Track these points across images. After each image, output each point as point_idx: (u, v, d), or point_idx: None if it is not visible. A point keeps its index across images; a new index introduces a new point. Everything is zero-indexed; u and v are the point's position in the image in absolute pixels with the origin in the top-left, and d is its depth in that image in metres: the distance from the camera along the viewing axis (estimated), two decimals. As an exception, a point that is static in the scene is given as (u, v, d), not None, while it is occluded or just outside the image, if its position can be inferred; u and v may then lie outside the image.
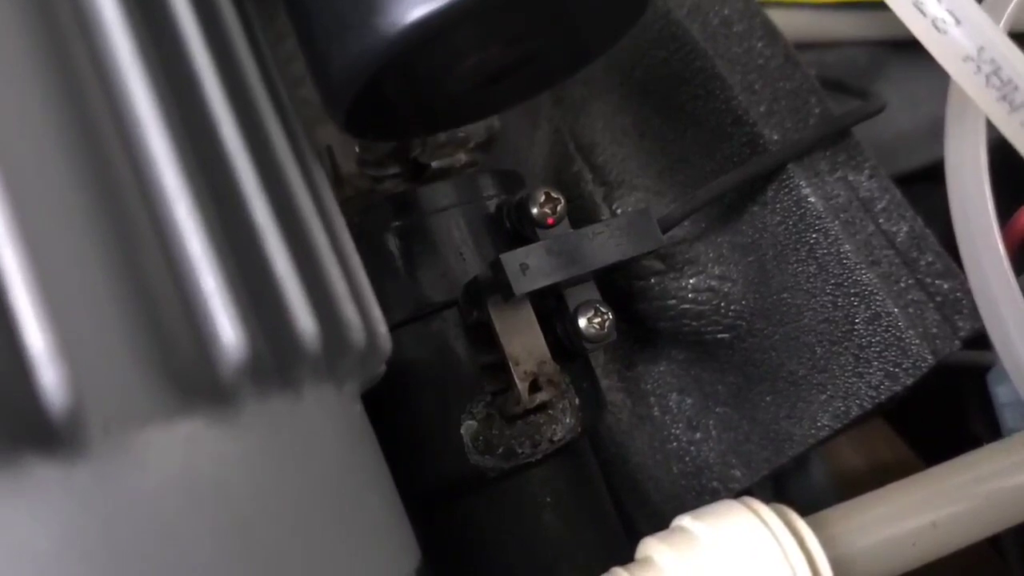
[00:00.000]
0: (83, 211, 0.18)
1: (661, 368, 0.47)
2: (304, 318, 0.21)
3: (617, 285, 0.45)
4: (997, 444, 0.32)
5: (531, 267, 0.35)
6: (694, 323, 0.44)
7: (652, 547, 0.29)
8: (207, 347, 0.19)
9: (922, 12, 0.30)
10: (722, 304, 0.44)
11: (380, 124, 0.32)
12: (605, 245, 0.37)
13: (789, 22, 0.48)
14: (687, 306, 0.44)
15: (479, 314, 0.37)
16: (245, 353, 0.19)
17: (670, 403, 0.47)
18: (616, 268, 0.39)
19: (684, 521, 0.29)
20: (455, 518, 0.39)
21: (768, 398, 0.44)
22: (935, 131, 0.40)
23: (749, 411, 0.44)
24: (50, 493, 0.17)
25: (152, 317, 0.19)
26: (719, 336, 0.44)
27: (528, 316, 0.38)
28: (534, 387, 0.37)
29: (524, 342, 0.37)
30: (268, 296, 0.21)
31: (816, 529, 0.29)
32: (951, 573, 0.34)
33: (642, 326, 0.46)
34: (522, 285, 0.35)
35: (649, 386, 0.47)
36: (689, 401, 0.46)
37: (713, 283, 0.44)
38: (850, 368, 0.41)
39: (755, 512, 0.29)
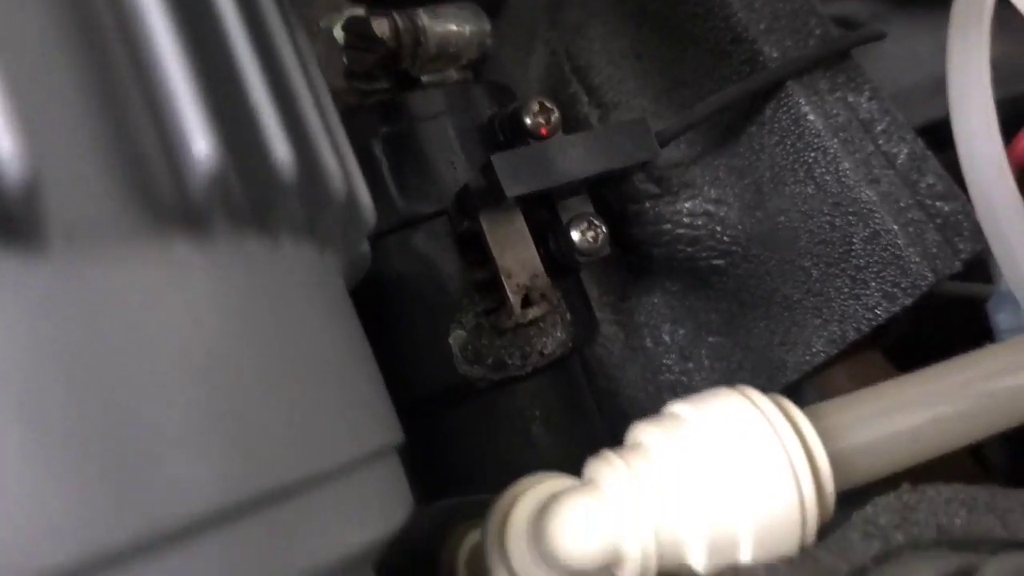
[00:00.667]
0: (52, 11, 0.18)
1: (655, 299, 0.46)
2: (279, 146, 0.20)
3: (612, 210, 0.44)
4: (998, 345, 0.31)
5: (523, 170, 0.35)
6: (689, 249, 0.43)
7: (642, 430, 0.28)
8: (177, 157, 0.18)
9: None
10: (717, 228, 0.43)
11: None
12: (600, 152, 0.36)
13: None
14: (682, 231, 0.43)
15: (470, 223, 0.36)
16: (216, 167, 0.18)
17: (663, 334, 0.46)
18: (610, 181, 0.38)
19: (675, 406, 0.28)
20: (445, 429, 0.38)
21: (762, 324, 0.43)
22: (936, 89, 0.39)
23: (742, 339, 0.43)
24: (4, 285, 0.16)
25: (120, 121, 0.18)
26: (714, 262, 0.44)
27: (520, 227, 0.37)
28: (527, 301, 0.36)
29: (516, 254, 0.36)
30: (241, 117, 0.20)
31: (813, 420, 0.28)
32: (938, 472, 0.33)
33: (636, 254, 0.45)
34: (514, 188, 0.34)
35: (642, 318, 0.46)
36: (682, 331, 0.45)
37: (709, 207, 0.43)
38: (847, 290, 0.40)
39: (748, 398, 0.28)
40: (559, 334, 0.38)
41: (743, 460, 0.26)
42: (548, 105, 0.37)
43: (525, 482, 0.30)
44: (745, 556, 0.26)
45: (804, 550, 0.27)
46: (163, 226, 0.19)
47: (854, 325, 0.40)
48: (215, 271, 0.20)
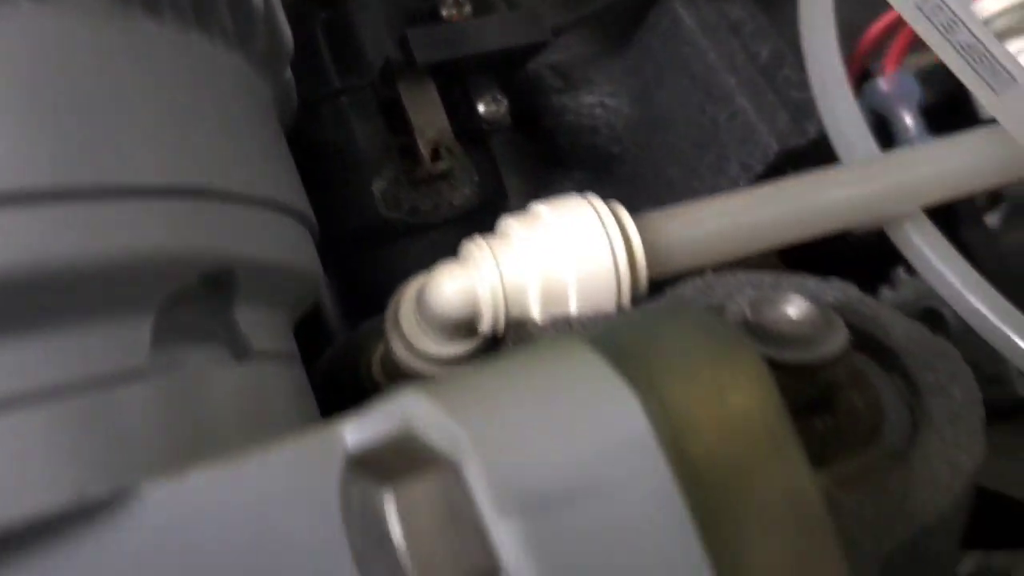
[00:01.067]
0: None
1: (565, 186, 0.54)
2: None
3: (523, 105, 0.51)
4: (815, 172, 0.38)
5: (433, 42, 0.42)
6: (589, 137, 0.51)
7: (505, 222, 0.35)
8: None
9: None
10: (611, 118, 0.50)
11: None
12: (500, 31, 0.44)
13: None
14: (583, 121, 0.51)
15: (391, 92, 0.44)
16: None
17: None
18: (514, 65, 0.46)
19: (535, 205, 0.35)
20: (368, 268, 0.46)
21: (651, 201, 0.50)
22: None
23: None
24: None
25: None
26: (611, 150, 0.51)
27: (432, 94, 0.44)
28: (436, 155, 0.44)
29: (428, 116, 0.44)
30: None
31: (639, 220, 0.35)
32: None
33: (548, 145, 0.52)
34: (424, 55, 0.42)
35: (542, 193, 0.53)
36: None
37: (605, 100, 0.50)
38: (714, 166, 0.47)
39: (589, 201, 0.35)
40: (467, 191, 0.45)
41: (574, 238, 0.34)
42: (460, 1, 0.45)
43: (417, 276, 0.37)
44: (573, 309, 0.33)
45: (620, 310, 0.34)
46: (127, 2, 0.26)
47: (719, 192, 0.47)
48: (168, 44, 0.27)
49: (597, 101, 0.50)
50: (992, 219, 0.51)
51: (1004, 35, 0.50)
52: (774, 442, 0.22)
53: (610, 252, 0.33)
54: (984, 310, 0.37)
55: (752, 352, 0.23)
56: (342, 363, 0.42)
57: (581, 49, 0.50)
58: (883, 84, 0.46)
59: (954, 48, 0.31)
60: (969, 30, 0.31)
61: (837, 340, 0.29)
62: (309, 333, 0.40)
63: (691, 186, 0.48)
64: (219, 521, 0.22)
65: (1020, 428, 0.44)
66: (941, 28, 0.31)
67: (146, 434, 0.25)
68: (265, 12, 0.32)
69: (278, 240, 0.30)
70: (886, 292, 0.47)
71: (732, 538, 0.21)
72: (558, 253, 0.33)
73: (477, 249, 0.34)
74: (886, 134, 0.47)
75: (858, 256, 0.47)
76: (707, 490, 0.21)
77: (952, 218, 0.46)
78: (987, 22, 0.50)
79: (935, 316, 0.45)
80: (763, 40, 0.48)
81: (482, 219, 0.46)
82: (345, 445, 0.23)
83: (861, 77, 0.48)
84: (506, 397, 0.22)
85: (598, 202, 0.35)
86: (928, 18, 0.31)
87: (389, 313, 0.37)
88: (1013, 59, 0.31)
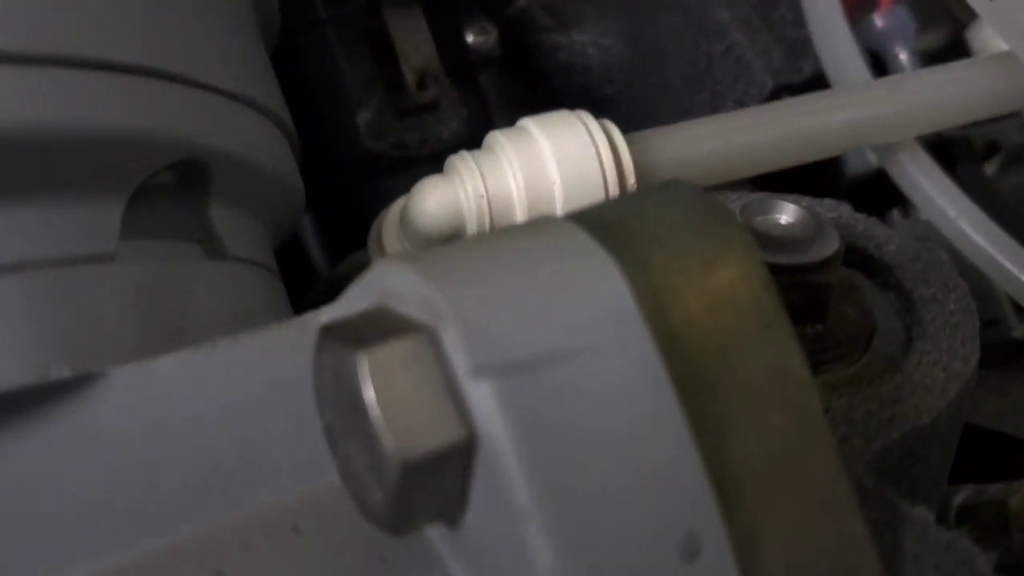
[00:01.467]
0: None
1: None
2: None
3: (515, 44, 0.50)
4: (807, 95, 0.37)
5: (420, -35, 0.41)
6: (581, 77, 0.50)
7: (492, 136, 0.34)
8: None
9: None
10: (604, 57, 0.49)
11: None
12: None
13: None
14: (575, 60, 0.50)
15: (377, 20, 0.43)
16: None
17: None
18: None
19: (523, 120, 0.35)
20: (355, 202, 0.45)
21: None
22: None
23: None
24: None
25: None
26: (604, 90, 0.50)
27: (419, 21, 0.43)
28: (422, 83, 0.43)
29: (415, 43, 0.43)
30: None
31: (630, 139, 0.35)
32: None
33: (542, 85, 0.52)
34: (410, -21, 0.41)
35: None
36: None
37: (597, 38, 0.49)
38: (708, 104, 0.47)
39: (579, 117, 0.34)
40: (455, 125, 0.44)
41: (563, 148, 0.33)
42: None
43: (401, 197, 0.37)
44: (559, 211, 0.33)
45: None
46: None
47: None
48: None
49: (589, 39, 0.49)
50: (989, 169, 0.50)
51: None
52: (761, 317, 0.21)
53: (598, 163, 0.33)
54: (980, 240, 0.37)
55: (740, 227, 0.22)
56: (327, 300, 0.41)
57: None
58: (878, 20, 0.46)
59: None
60: None
61: (828, 246, 0.28)
62: (293, 272, 0.39)
63: (691, 115, 0.47)
64: (188, 405, 0.22)
65: (1014, 369, 0.43)
66: None
67: (113, 320, 0.24)
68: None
69: (254, 139, 0.29)
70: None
71: (715, 411, 0.20)
72: (545, 166, 0.32)
73: (461, 161, 0.33)
74: (882, 72, 0.46)
75: (852, 198, 0.46)
76: (690, 361, 0.20)
77: (949, 160, 0.45)
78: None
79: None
80: (760, -23, 0.47)
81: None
82: (320, 329, 0.22)
83: (858, 11, 0.47)
84: (485, 266, 0.21)
85: (588, 117, 0.34)
86: None
87: (372, 236, 0.36)
88: None
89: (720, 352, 0.21)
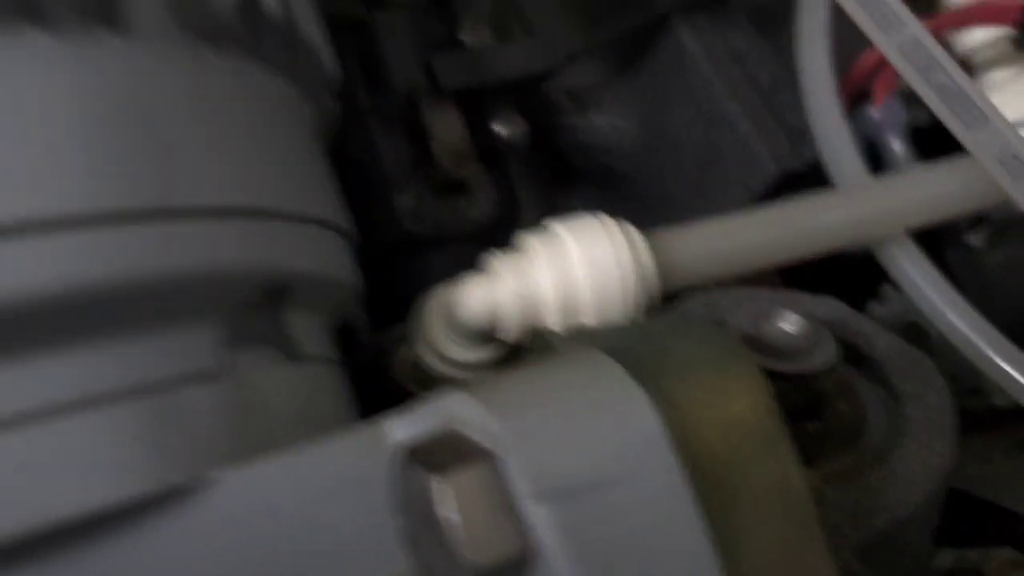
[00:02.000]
0: None
1: (576, 202, 0.57)
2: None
3: (538, 125, 0.55)
4: (807, 197, 0.42)
5: (456, 68, 0.46)
6: (599, 157, 0.54)
7: (524, 238, 0.39)
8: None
9: None
10: (620, 138, 0.54)
11: None
12: (517, 59, 0.47)
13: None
14: (594, 140, 0.54)
15: (415, 113, 0.47)
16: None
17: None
18: (530, 90, 0.49)
19: (551, 223, 0.39)
20: (395, 278, 0.49)
21: (658, 218, 0.53)
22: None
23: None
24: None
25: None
26: (620, 169, 0.54)
27: (453, 115, 0.48)
28: (454, 162, 0.47)
29: (448, 129, 0.47)
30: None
31: (650, 238, 0.39)
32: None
33: (562, 163, 0.56)
34: (448, 80, 0.45)
35: (564, 214, 0.57)
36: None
37: (615, 121, 0.54)
38: (718, 186, 0.51)
39: (600, 219, 0.39)
40: (486, 206, 0.49)
41: (590, 252, 0.37)
42: (480, 26, 0.48)
43: (441, 286, 0.41)
44: (587, 320, 0.37)
45: (631, 320, 0.37)
46: (196, 35, 0.29)
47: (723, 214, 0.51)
48: (231, 74, 0.31)
49: (607, 122, 0.54)
50: (975, 239, 0.54)
51: (987, 65, 0.53)
52: (768, 442, 0.26)
53: (621, 268, 0.37)
54: (964, 328, 0.41)
55: (751, 362, 0.27)
56: (370, 366, 0.45)
57: (593, 73, 0.53)
58: (873, 111, 0.50)
59: (931, 88, 0.35)
60: (946, 72, 0.34)
61: (827, 353, 0.32)
62: (341, 338, 0.43)
63: (695, 204, 0.52)
64: (282, 506, 0.26)
65: (996, 436, 0.47)
66: (920, 69, 0.35)
67: (212, 428, 0.29)
68: (314, 45, 0.35)
69: (327, 254, 0.34)
70: (874, 306, 0.51)
71: (731, 524, 0.25)
72: (574, 269, 0.37)
73: (499, 263, 0.37)
74: (876, 157, 0.50)
75: (849, 272, 0.51)
76: (709, 482, 0.25)
77: (937, 239, 0.49)
78: (972, 52, 0.54)
79: (919, 330, 0.48)
80: (764, 67, 0.51)
81: (498, 233, 0.50)
82: (391, 439, 0.26)
83: (857, 97, 0.51)
84: (538, 399, 0.25)
85: (610, 222, 0.38)
86: (908, 59, 0.34)
87: (416, 321, 0.40)
88: (986, 100, 0.35)
89: (734, 473, 0.25)
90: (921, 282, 0.42)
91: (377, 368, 0.45)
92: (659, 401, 0.25)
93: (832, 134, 0.46)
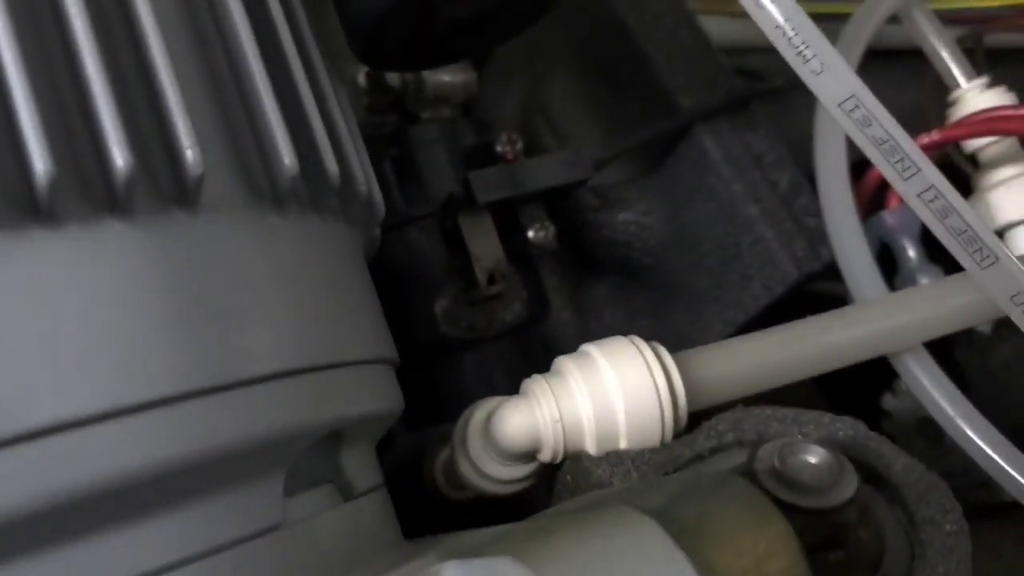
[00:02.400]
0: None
1: (599, 291, 0.60)
2: (331, 164, 0.33)
3: (567, 220, 0.57)
4: (819, 316, 0.44)
5: (491, 183, 0.48)
6: (623, 250, 0.57)
7: (560, 361, 0.41)
8: (271, 166, 0.31)
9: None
10: (644, 234, 0.56)
11: (386, 57, 0.44)
12: (549, 171, 0.49)
13: (719, 29, 0.60)
14: (618, 235, 0.56)
15: (453, 222, 0.50)
16: (294, 174, 0.31)
17: (604, 317, 0.59)
18: (560, 194, 0.51)
19: (586, 346, 0.41)
20: (431, 378, 0.51)
21: (679, 309, 0.56)
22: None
23: (664, 320, 0.57)
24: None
25: (234, 136, 0.31)
26: (643, 261, 0.57)
27: (489, 226, 0.50)
28: (491, 280, 0.49)
29: (485, 245, 0.50)
30: (316, 145, 0.33)
31: (677, 360, 0.41)
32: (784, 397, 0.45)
33: (586, 255, 0.58)
34: (484, 195, 0.48)
35: (589, 305, 0.59)
36: (619, 315, 0.59)
37: (638, 218, 0.56)
38: (737, 283, 0.53)
39: (634, 343, 0.41)
40: (517, 307, 0.51)
41: (623, 379, 0.39)
42: (514, 137, 0.51)
43: (478, 402, 0.43)
44: (623, 445, 0.39)
45: (663, 442, 0.40)
46: (262, 203, 0.32)
47: (743, 310, 0.53)
48: (292, 234, 0.33)
49: (632, 219, 0.56)
50: (983, 326, 0.56)
51: (994, 163, 0.56)
52: (800, 602, 0.28)
53: (655, 392, 0.39)
54: (972, 436, 0.43)
55: (783, 523, 0.29)
56: (405, 467, 0.48)
57: (618, 173, 0.56)
58: (888, 217, 0.52)
59: (947, 230, 0.37)
60: (961, 217, 0.37)
61: (849, 487, 0.34)
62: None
63: (716, 297, 0.54)
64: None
65: (1007, 527, 0.50)
66: (937, 213, 0.37)
67: (280, 573, 0.31)
68: (366, 185, 0.37)
69: (380, 392, 0.36)
70: (889, 399, 0.53)
71: None
72: (610, 394, 0.39)
73: (539, 388, 0.40)
74: (891, 261, 0.53)
75: (866, 367, 0.53)
76: (748, 645, 0.27)
77: (948, 339, 0.51)
78: (980, 149, 0.56)
79: (932, 425, 0.50)
80: (782, 170, 0.54)
81: (526, 331, 0.52)
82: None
83: (874, 199, 0.54)
84: (583, 564, 0.27)
85: (642, 344, 0.40)
86: (927, 205, 0.37)
87: (457, 434, 0.42)
88: (998, 243, 0.37)
89: (770, 635, 0.27)
90: (932, 389, 0.44)
91: (414, 469, 0.48)
92: (700, 566, 0.27)
93: (850, 248, 0.49)
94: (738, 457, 0.39)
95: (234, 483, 0.30)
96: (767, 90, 0.55)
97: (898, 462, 0.38)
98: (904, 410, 0.52)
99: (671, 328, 0.56)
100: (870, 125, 0.37)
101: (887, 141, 0.36)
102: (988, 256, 0.37)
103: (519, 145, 0.51)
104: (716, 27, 0.60)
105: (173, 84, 0.29)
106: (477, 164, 0.51)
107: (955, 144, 0.57)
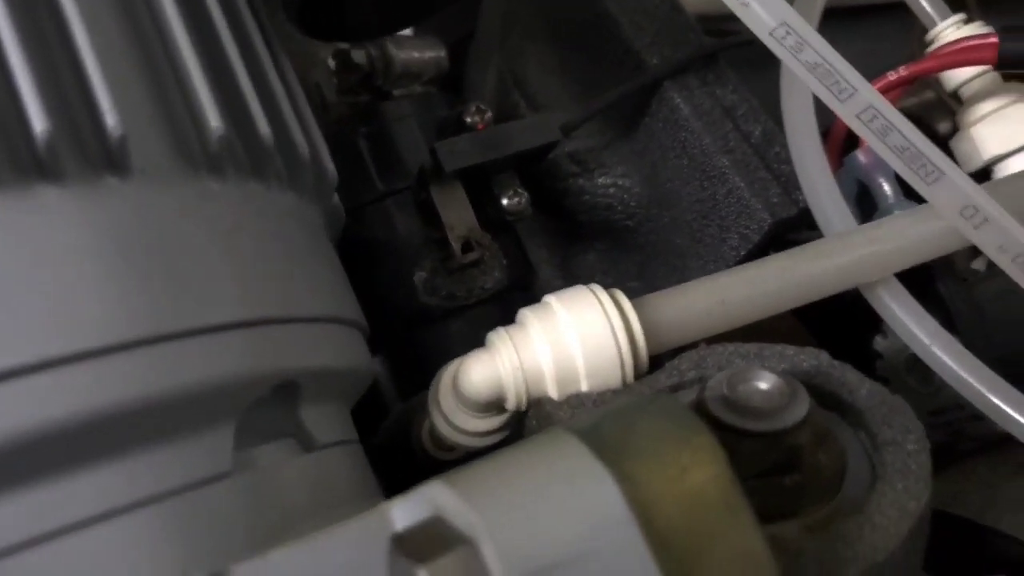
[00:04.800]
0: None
1: (587, 256, 0.60)
2: (263, 127, 0.35)
3: (546, 188, 0.57)
4: (785, 252, 0.44)
5: (458, 151, 0.49)
6: (606, 214, 0.57)
7: (522, 314, 0.41)
8: (203, 130, 0.32)
9: None
10: (624, 196, 0.56)
11: (323, 26, 0.45)
12: (517, 137, 0.50)
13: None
14: (599, 200, 0.57)
15: (426, 194, 0.51)
16: (224, 136, 0.32)
17: (595, 282, 0.59)
18: (532, 161, 0.52)
19: (547, 298, 0.42)
20: (414, 348, 0.52)
21: (663, 268, 0.56)
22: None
23: (650, 281, 0.57)
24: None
25: (168, 105, 0.32)
26: (625, 224, 0.57)
27: (461, 195, 0.51)
28: (466, 248, 0.50)
29: (458, 214, 0.50)
30: (241, 108, 0.34)
31: (636, 304, 0.41)
32: (766, 338, 0.45)
33: (570, 221, 0.59)
34: (451, 163, 0.48)
35: (578, 271, 0.60)
36: (608, 279, 0.59)
37: (617, 180, 0.56)
38: (716, 236, 0.53)
39: (592, 291, 0.41)
40: (496, 274, 0.52)
41: (581, 323, 0.40)
42: (483, 107, 0.52)
43: (452, 362, 0.44)
44: (584, 387, 0.39)
45: (625, 383, 0.40)
46: (198, 168, 0.33)
47: (724, 262, 0.53)
48: (232, 198, 0.34)
49: (611, 182, 0.56)
50: (978, 263, 0.56)
51: (976, 98, 0.55)
52: (729, 510, 0.28)
53: (612, 335, 0.39)
54: (952, 365, 0.43)
55: (707, 435, 0.29)
56: (396, 434, 0.49)
57: (594, 138, 0.56)
58: (861, 156, 0.52)
59: (890, 149, 0.37)
60: (902, 134, 0.37)
61: (799, 409, 0.34)
62: (368, 408, 0.47)
63: (697, 252, 0.54)
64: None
65: (1000, 459, 0.49)
66: (878, 132, 0.37)
67: (233, 524, 0.32)
68: (311, 155, 0.38)
69: (336, 349, 0.37)
70: (879, 340, 0.52)
71: (695, 592, 0.27)
72: (568, 340, 0.39)
73: (499, 339, 0.40)
74: (869, 199, 0.52)
75: (853, 308, 0.53)
76: (674, 556, 0.27)
77: (928, 272, 0.51)
78: (960, 85, 0.56)
79: (920, 362, 0.50)
80: (755, 121, 0.54)
81: (512, 296, 0.53)
82: (392, 524, 0.29)
83: (848, 141, 0.54)
84: (511, 486, 0.28)
85: (601, 292, 0.41)
86: (867, 125, 0.37)
87: (431, 394, 0.43)
88: (942, 156, 0.37)
89: (697, 543, 0.27)
90: (909, 322, 0.44)
91: (403, 436, 0.49)
92: (622, 480, 0.27)
93: (818, 184, 0.49)
94: (693, 391, 0.39)
95: (181, 432, 0.31)
96: (734, 44, 0.55)
97: (862, 387, 0.38)
98: (893, 349, 0.51)
99: (657, 288, 0.56)
100: (802, 51, 0.37)
101: (820, 65, 0.37)
102: (933, 171, 0.37)
103: (488, 115, 0.51)
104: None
105: (93, 50, 0.30)
106: (448, 136, 0.52)
107: (938, 82, 0.57)
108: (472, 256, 0.50)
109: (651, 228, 0.56)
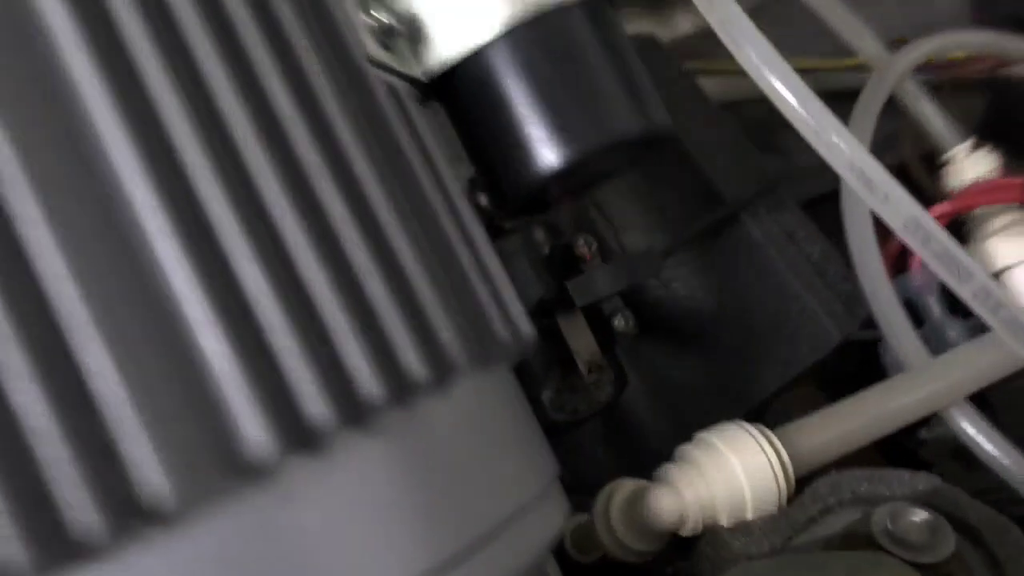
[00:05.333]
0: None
1: (659, 360, 0.67)
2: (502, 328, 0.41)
3: (627, 297, 0.65)
4: (888, 381, 0.53)
5: (585, 288, 0.56)
6: (678, 321, 0.65)
7: (687, 450, 0.49)
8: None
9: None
10: (697, 307, 0.64)
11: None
12: (631, 270, 0.57)
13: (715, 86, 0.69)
14: (672, 309, 0.64)
15: (548, 322, 0.57)
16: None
17: (670, 379, 0.67)
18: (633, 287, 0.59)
19: (704, 434, 0.49)
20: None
21: (735, 372, 0.64)
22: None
23: (717, 380, 0.65)
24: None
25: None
26: (696, 331, 0.65)
27: (582, 323, 0.58)
28: (590, 370, 0.57)
29: (582, 341, 0.57)
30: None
31: (780, 436, 0.49)
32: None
33: (645, 330, 0.66)
34: (581, 300, 0.55)
35: (651, 370, 0.67)
36: (675, 375, 0.67)
37: (689, 291, 0.64)
38: (787, 347, 0.61)
39: (744, 427, 0.49)
40: (609, 389, 0.59)
41: (745, 460, 0.47)
42: (589, 239, 0.58)
43: (613, 483, 0.51)
44: (749, 516, 0.47)
45: (780, 509, 0.48)
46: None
47: (793, 368, 0.62)
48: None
49: (683, 293, 0.64)
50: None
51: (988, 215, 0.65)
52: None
53: (770, 468, 0.47)
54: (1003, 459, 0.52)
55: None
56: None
57: (674, 256, 0.64)
58: (911, 278, 0.61)
59: (932, 253, 0.46)
60: (939, 241, 0.46)
61: (950, 540, 0.43)
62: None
63: (768, 362, 0.63)
64: None
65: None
66: (920, 240, 0.46)
67: None
68: (525, 322, 0.44)
69: (562, 501, 0.43)
70: (922, 432, 0.62)
71: None
72: (737, 475, 0.47)
73: (677, 476, 0.47)
74: (917, 315, 0.61)
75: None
76: None
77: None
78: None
79: (965, 451, 0.60)
80: (813, 242, 0.62)
81: (612, 407, 0.60)
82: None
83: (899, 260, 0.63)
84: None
85: (753, 430, 0.49)
86: (912, 234, 0.46)
87: (599, 513, 0.50)
88: (970, 260, 0.47)
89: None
90: (967, 427, 0.53)
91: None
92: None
93: (885, 307, 0.58)
94: (843, 517, 0.48)
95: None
96: (791, 173, 0.64)
97: (973, 509, 0.47)
98: (938, 440, 0.61)
99: (729, 390, 0.64)
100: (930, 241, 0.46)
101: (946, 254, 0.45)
102: (964, 272, 0.47)
103: (594, 245, 0.58)
104: (714, 85, 0.69)
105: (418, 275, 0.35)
106: (557, 264, 0.59)
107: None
108: (594, 378, 0.56)
109: (721, 337, 0.64)
